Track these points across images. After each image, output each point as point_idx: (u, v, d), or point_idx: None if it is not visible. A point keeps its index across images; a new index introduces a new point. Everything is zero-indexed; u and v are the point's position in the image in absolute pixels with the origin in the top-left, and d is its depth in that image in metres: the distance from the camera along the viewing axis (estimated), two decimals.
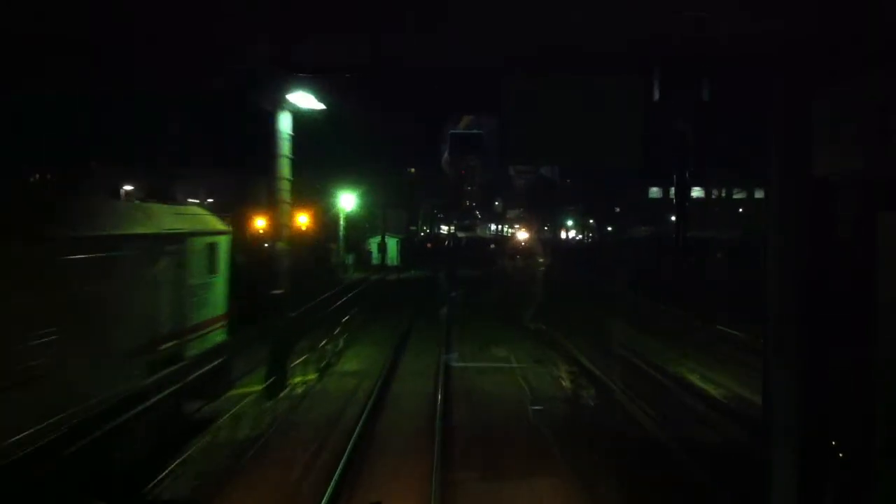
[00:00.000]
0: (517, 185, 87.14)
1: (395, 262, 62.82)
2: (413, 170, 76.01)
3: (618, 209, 64.11)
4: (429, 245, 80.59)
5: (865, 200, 3.90)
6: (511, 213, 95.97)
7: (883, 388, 3.70)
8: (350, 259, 56.79)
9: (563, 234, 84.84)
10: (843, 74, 3.86)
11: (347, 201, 59.15)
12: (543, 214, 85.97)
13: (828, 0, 3.57)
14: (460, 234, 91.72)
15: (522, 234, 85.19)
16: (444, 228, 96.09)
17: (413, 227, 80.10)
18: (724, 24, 3.70)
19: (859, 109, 3.73)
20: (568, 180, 73.10)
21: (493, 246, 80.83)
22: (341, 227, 56.28)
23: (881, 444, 3.66)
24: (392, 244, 66.61)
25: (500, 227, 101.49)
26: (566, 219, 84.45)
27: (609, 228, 67.27)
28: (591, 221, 76.12)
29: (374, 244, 65.86)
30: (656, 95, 4.33)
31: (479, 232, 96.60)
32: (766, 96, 4.37)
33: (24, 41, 3.74)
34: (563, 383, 14.25)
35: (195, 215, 11.10)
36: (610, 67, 4.35)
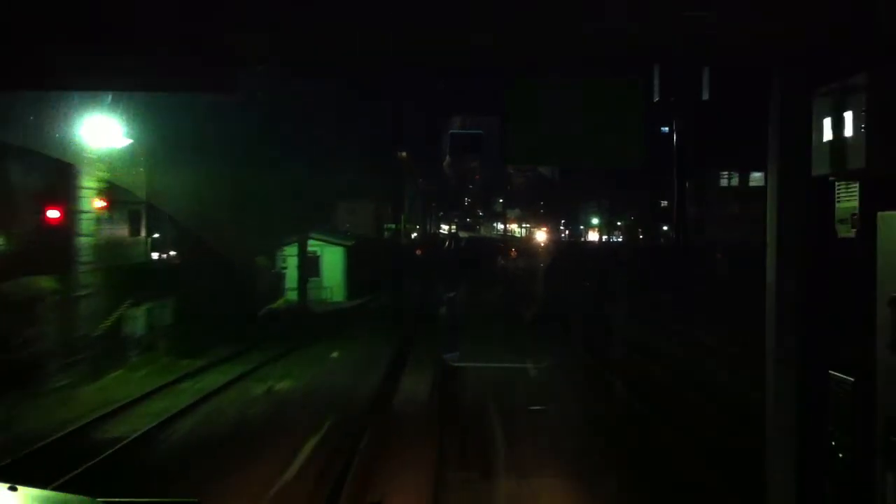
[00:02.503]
0: (516, 183, 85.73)
1: (339, 296, 33.34)
2: (405, 154, 54.31)
3: (664, 203, 46.66)
4: (419, 251, 55.12)
5: (865, 200, 3.91)
6: (511, 213, 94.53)
7: (882, 389, 3.70)
8: (142, 321, 18.72)
9: (589, 236, 68.59)
10: (844, 73, 3.86)
11: (100, 132, 16.03)
12: (546, 213, 77.18)
13: None
14: (462, 235, 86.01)
15: (541, 235, 73.14)
16: (445, 228, 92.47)
17: (392, 226, 55.20)
18: (724, 24, 3.70)
19: (860, 108, 3.73)
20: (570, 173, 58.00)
21: (513, 253, 59.01)
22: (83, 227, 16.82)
23: (881, 444, 3.66)
24: (333, 258, 33.67)
25: (506, 226, 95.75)
26: (590, 217, 67.05)
27: (665, 228, 48.28)
28: (632, 219, 57.33)
29: (291, 261, 31.52)
30: (656, 95, 4.33)
31: (482, 231, 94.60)
32: (765, 94, 4.37)
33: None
34: None
35: None
36: (610, 67, 4.35)
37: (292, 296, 30.91)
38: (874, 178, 3.81)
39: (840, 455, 3.89)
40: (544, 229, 75.34)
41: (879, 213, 3.75)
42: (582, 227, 70.86)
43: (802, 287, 4.19)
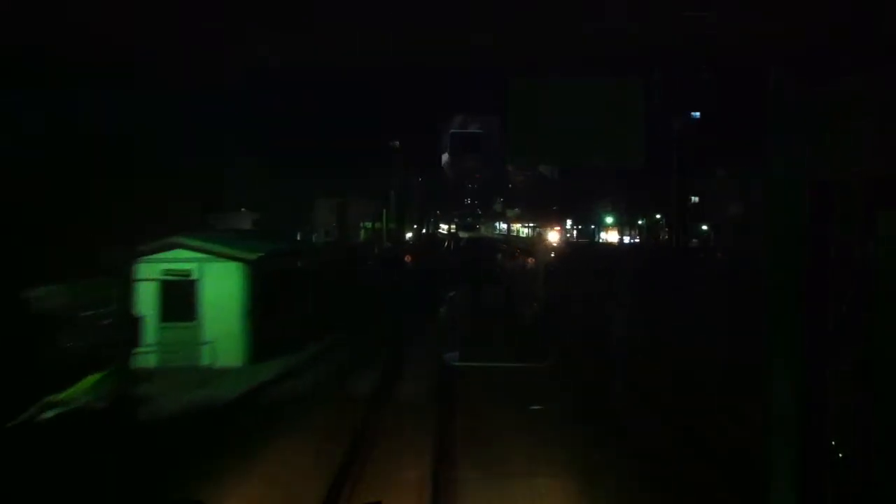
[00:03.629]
0: (517, 181, 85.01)
1: (233, 356, 17.15)
2: (398, 143, 46.53)
3: (696, 199, 39.87)
4: (409, 258, 41.53)
5: (865, 200, 3.90)
6: (511, 213, 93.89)
7: (883, 389, 3.70)
8: None
9: (603, 236, 60.67)
10: (844, 73, 3.86)
11: None
12: (552, 211, 73.42)
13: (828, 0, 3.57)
14: (462, 235, 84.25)
15: (554, 236, 63.34)
16: (444, 228, 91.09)
17: (372, 225, 45.56)
18: (724, 24, 3.70)
19: (859, 108, 3.73)
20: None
21: (529, 261, 43.02)
22: None
23: (881, 444, 3.66)
24: (223, 284, 17.59)
25: (509, 225, 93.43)
26: (603, 215, 59.58)
27: (704, 227, 40.58)
28: (658, 217, 48.37)
29: (146, 290, 16.99)
30: (657, 95, 4.34)
31: (482, 231, 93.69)
32: (765, 94, 4.37)
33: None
34: None
35: None
36: (610, 67, 4.35)
37: (141, 362, 15.48)
38: (874, 178, 3.81)
39: (840, 455, 3.89)
40: (556, 229, 66.07)
41: (879, 213, 3.75)
42: (593, 226, 63.79)
43: (802, 287, 4.19)
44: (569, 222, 70.92)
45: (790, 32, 3.84)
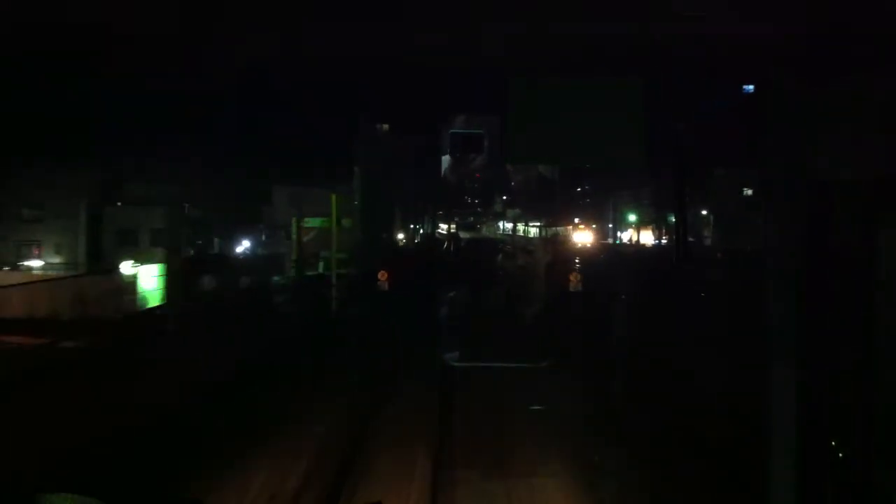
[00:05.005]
0: (519, 180, 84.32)
1: None
2: (386, 126, 39.67)
3: (749, 191, 34.07)
4: (384, 275, 24.61)
5: (865, 201, 3.90)
6: (511, 213, 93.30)
7: (883, 389, 3.70)
8: None
9: (623, 236, 53.23)
10: (843, 73, 3.86)
11: None
12: (545, 212, 70.48)
13: None
14: (462, 235, 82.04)
15: (584, 237, 53.35)
16: (443, 228, 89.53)
17: (308, 222, 29.64)
18: (724, 24, 3.70)
19: (859, 108, 3.73)
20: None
21: (573, 278, 30.73)
22: None
23: (881, 444, 3.66)
24: None
25: (515, 224, 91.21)
26: (626, 213, 51.97)
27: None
28: (704, 214, 39.39)
29: None
30: (656, 95, 4.34)
31: (484, 231, 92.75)
32: (765, 95, 4.37)
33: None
34: None
35: None
36: (610, 67, 4.35)
37: None
38: (874, 178, 3.81)
39: (840, 455, 3.89)
40: (581, 227, 55.84)
41: (879, 214, 3.75)
42: (610, 225, 56.08)
43: (802, 288, 4.19)
44: (575, 220, 66.91)
45: (790, 32, 3.85)
